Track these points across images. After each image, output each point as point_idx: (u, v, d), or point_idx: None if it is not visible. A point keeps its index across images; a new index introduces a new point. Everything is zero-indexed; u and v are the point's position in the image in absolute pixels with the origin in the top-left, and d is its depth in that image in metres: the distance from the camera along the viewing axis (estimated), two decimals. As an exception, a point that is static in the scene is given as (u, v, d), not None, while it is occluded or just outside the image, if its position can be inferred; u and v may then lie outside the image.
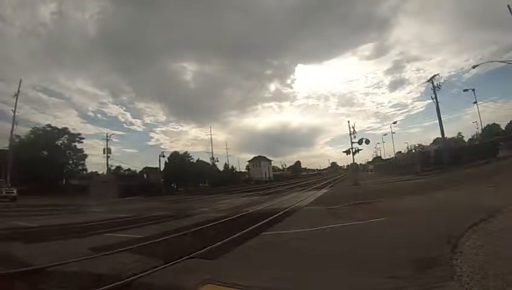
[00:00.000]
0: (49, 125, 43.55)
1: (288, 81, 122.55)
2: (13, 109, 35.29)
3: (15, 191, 25.79)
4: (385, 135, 58.69)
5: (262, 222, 8.91)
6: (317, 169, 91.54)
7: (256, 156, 68.97)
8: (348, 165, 67.61)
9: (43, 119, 61.03)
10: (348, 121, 34.48)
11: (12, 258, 5.66)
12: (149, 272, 4.56)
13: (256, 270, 4.66)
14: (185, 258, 5.32)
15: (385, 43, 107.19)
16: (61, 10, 77.68)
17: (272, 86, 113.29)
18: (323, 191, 23.00)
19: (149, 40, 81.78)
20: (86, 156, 45.30)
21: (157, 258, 5.37)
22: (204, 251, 5.81)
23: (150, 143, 73.55)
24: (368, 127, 78.94)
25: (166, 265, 4.94)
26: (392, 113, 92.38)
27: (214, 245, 6.20)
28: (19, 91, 35.92)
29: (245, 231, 7.64)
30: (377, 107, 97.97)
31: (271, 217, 9.78)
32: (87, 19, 78.60)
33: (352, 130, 32.12)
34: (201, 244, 6.21)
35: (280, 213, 10.88)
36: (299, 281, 4.05)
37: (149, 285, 4.14)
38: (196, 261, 5.25)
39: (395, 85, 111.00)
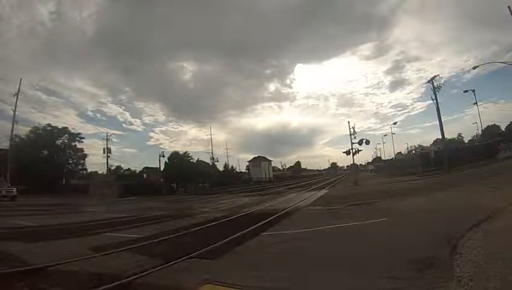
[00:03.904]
0: (49, 125, 43.73)
1: (288, 81, 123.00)
2: (13, 108, 35.34)
3: (15, 191, 25.80)
4: (385, 135, 58.81)
5: (262, 222, 8.90)
6: (317, 169, 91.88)
7: (256, 156, 69.08)
8: (348, 166, 67.84)
9: (42, 119, 61.07)
10: (348, 122, 34.50)
11: (12, 258, 5.66)
12: (149, 272, 4.56)
13: (255, 270, 4.65)
14: (184, 258, 5.32)
15: (385, 42, 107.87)
16: (59, 9, 77.79)
17: (272, 86, 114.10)
18: (323, 191, 22.99)
19: (148, 39, 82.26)
20: (85, 155, 45.54)
21: (156, 258, 5.39)
22: (204, 251, 5.81)
23: (150, 143, 74.05)
24: (367, 128, 79.43)
25: (165, 265, 4.94)
26: (392, 113, 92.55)
27: (214, 245, 6.20)
28: (19, 90, 35.95)
29: (245, 231, 7.64)
30: (377, 108, 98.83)
31: (271, 218, 9.77)
32: (86, 18, 79.09)
33: (352, 130, 32.19)
34: (201, 244, 6.21)
35: (280, 213, 10.87)
36: (299, 282, 4.06)
37: (149, 285, 4.14)
38: (196, 261, 5.25)
39: (395, 85, 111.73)
